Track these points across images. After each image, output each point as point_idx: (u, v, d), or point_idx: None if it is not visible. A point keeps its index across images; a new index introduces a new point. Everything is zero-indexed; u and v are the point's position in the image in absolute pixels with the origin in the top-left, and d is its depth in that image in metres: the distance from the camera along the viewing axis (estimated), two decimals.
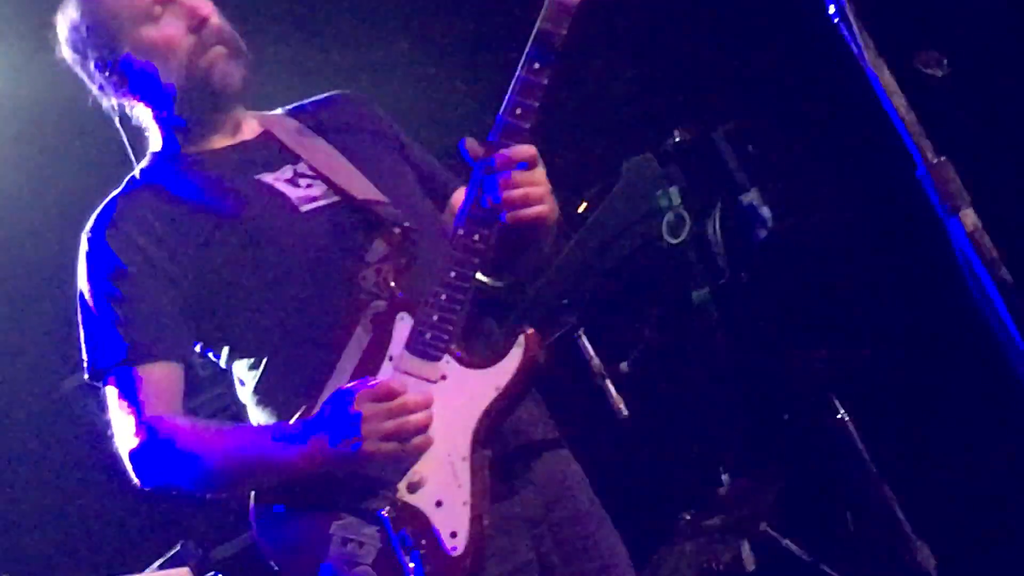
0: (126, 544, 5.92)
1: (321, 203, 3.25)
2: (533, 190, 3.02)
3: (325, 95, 3.57)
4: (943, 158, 2.54)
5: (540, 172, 3.05)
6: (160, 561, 4.91)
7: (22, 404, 6.67)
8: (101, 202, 3.35)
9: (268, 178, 3.28)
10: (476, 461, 3.05)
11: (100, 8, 3.34)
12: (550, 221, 3.10)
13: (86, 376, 3.29)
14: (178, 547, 4.89)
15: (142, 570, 4.78)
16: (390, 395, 2.96)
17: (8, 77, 5.75)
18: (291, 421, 3.11)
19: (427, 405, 2.98)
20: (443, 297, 3.04)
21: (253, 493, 3.15)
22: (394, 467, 3.03)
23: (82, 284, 3.30)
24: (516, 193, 3.00)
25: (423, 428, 2.97)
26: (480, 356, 3.12)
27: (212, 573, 4.16)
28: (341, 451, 2.95)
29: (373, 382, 3.00)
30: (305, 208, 3.24)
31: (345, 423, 2.93)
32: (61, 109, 3.58)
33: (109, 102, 3.43)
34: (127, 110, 3.43)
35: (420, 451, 2.99)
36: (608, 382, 5.04)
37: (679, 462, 7.10)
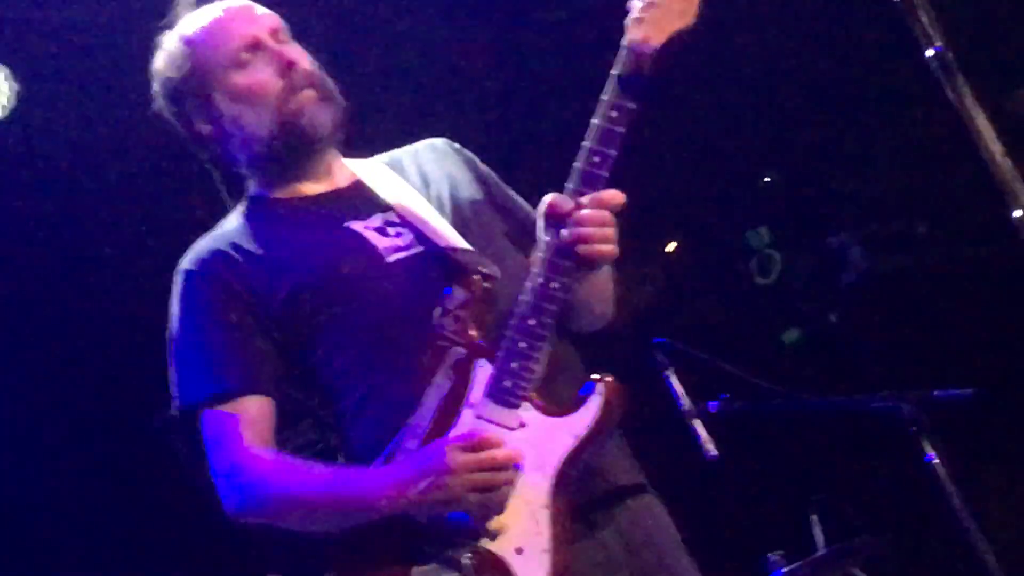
0: None
1: (406, 253, 3.26)
2: (603, 231, 3.03)
3: (418, 144, 3.55)
4: None
5: (612, 216, 3.05)
6: None
7: (111, 439, 6.74)
8: (195, 241, 3.39)
9: (358, 227, 3.29)
10: (557, 509, 3.01)
11: (191, 59, 3.36)
12: (608, 261, 3.10)
13: (175, 411, 3.31)
14: None
15: None
16: (481, 447, 2.97)
17: (111, 114, 5.82)
18: (370, 466, 3.12)
19: (516, 459, 3.01)
20: (523, 345, 3.03)
21: (335, 538, 3.17)
22: (476, 515, 3.00)
23: (174, 320, 3.31)
24: (590, 231, 3.01)
25: (509, 481, 3.00)
26: (559, 404, 3.09)
27: None
28: (427, 500, 2.97)
29: (464, 433, 3.00)
30: (391, 259, 3.24)
31: (433, 473, 2.95)
32: (159, 143, 3.61)
33: (205, 151, 3.46)
34: (222, 159, 3.43)
35: (502, 503, 3.01)
36: (698, 422, 5.01)
37: (768, 504, 7.07)
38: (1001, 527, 5.12)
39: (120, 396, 6.69)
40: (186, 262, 3.31)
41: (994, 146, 2.50)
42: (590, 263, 3.07)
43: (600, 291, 3.29)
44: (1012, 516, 6.55)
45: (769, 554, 5.21)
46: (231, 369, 3.21)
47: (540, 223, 3.08)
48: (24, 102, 5.81)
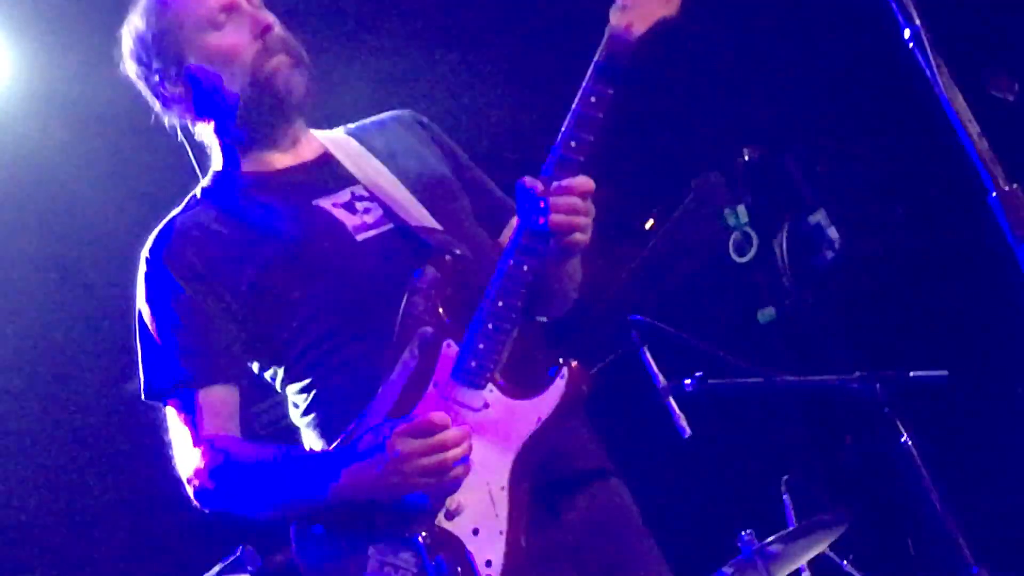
0: (185, 548, 5.95)
1: (376, 231, 3.25)
2: (579, 219, 3.02)
3: (385, 115, 3.55)
4: (1015, 185, 2.53)
5: (588, 202, 3.04)
6: (219, 567, 4.93)
7: (85, 406, 6.74)
8: (162, 220, 3.37)
9: (326, 203, 3.28)
10: (515, 491, 3.02)
11: (164, 18, 3.34)
12: (581, 248, 3.09)
13: (143, 396, 3.32)
14: (237, 552, 4.91)
15: (201, 575, 4.81)
16: (429, 430, 2.96)
17: (78, 85, 5.80)
18: (332, 446, 3.13)
19: (466, 438, 2.99)
20: (490, 326, 3.03)
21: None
22: (433, 494, 3.02)
23: (140, 305, 3.32)
24: (562, 219, 3.00)
25: (461, 462, 2.99)
26: (524, 386, 3.09)
27: None
28: (379, 486, 2.98)
29: (411, 417, 3.00)
30: (360, 237, 3.23)
31: (382, 460, 2.95)
32: (131, 117, 3.58)
33: (172, 116, 3.44)
34: (190, 125, 3.44)
35: (457, 483, 3.01)
36: (672, 400, 5.03)
37: (741, 482, 7.09)
38: (972, 508, 5.13)
39: (93, 365, 6.70)
40: (149, 246, 3.31)
41: (971, 126, 2.51)
42: (563, 250, 3.07)
43: (568, 276, 3.29)
44: (984, 498, 6.57)
45: (741, 532, 5.23)
46: (193, 358, 3.22)
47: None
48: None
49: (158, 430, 3.30)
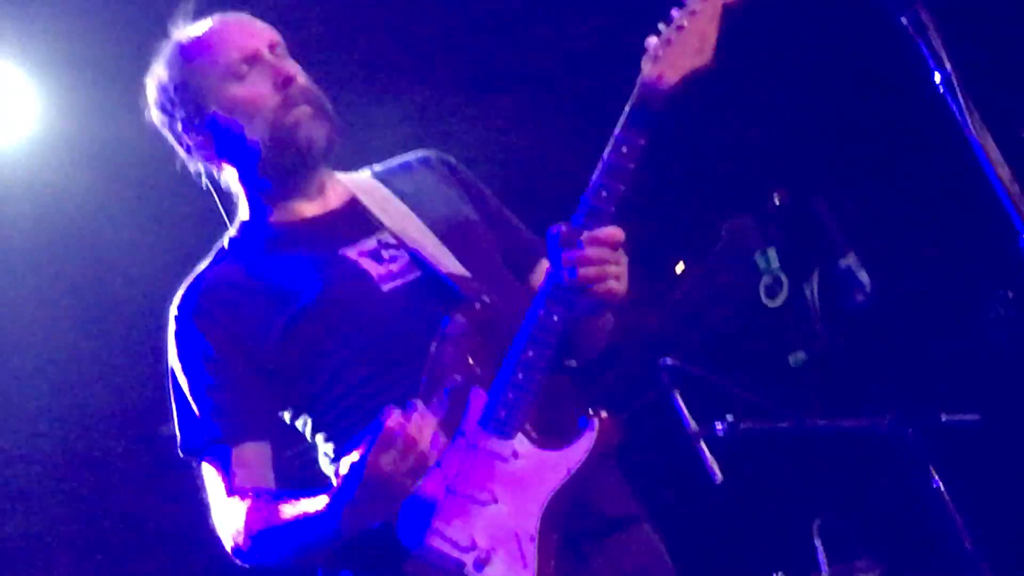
0: None
1: (402, 281, 3.24)
2: (611, 268, 3.01)
3: (411, 156, 3.56)
4: None
5: (619, 252, 3.03)
6: None
7: (122, 448, 6.75)
8: (189, 269, 3.39)
9: (352, 253, 3.28)
10: (544, 542, 3.01)
11: (187, 68, 3.36)
12: (618, 299, 3.08)
13: (180, 453, 3.35)
14: None
15: None
16: (393, 440, 2.90)
17: (105, 131, 5.82)
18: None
19: (426, 426, 2.93)
20: (520, 376, 3.03)
21: (321, 562, 3.18)
22: (462, 544, 3.01)
23: (172, 362, 3.34)
24: (592, 271, 2.99)
25: (429, 444, 2.93)
26: (553, 435, 3.09)
27: None
28: (377, 511, 2.98)
29: (371, 438, 2.93)
30: (387, 287, 3.23)
31: (361, 479, 2.93)
32: (159, 164, 3.60)
33: (196, 164, 3.46)
34: (215, 173, 3.46)
35: (426, 464, 2.96)
36: (703, 445, 5.01)
37: (772, 525, 7.06)
38: (1005, 554, 5.10)
39: (133, 405, 6.71)
40: (176, 303, 3.32)
41: (1002, 170, 2.51)
42: (597, 302, 3.06)
43: (599, 326, 3.29)
44: (1017, 543, 6.52)
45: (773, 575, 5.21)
46: (224, 417, 3.25)
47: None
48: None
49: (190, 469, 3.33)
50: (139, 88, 3.46)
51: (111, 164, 6.04)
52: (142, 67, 3.45)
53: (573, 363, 3.30)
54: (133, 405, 6.57)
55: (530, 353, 3.02)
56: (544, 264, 3.19)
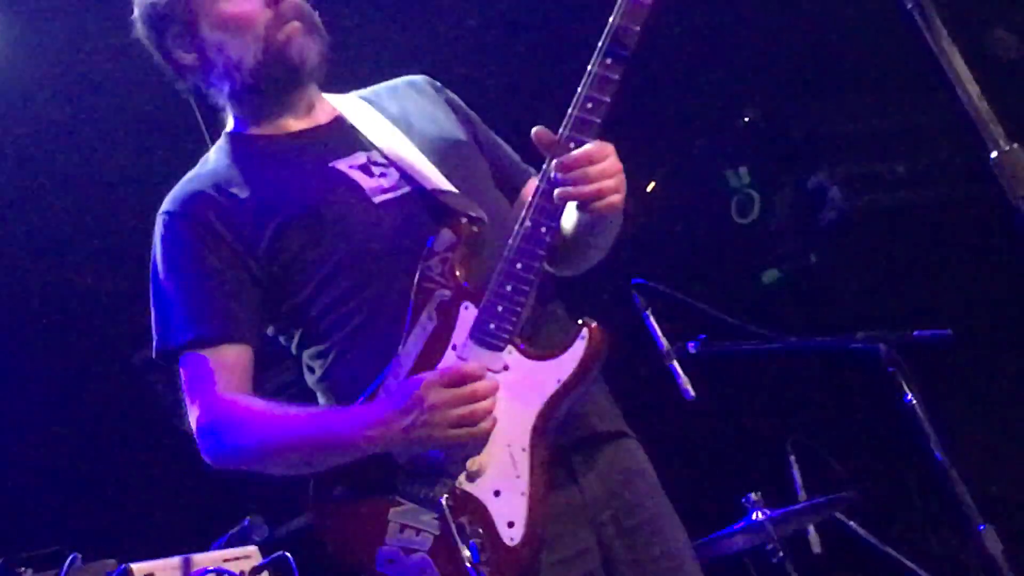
0: (191, 520, 5.96)
1: (392, 194, 3.24)
2: (607, 183, 3.01)
3: (398, 80, 3.54)
4: (1015, 145, 2.51)
5: (612, 162, 3.03)
6: (225, 538, 4.91)
7: (92, 376, 6.75)
8: (176, 182, 3.37)
9: (342, 165, 3.28)
10: (536, 452, 3.02)
11: None
12: (619, 208, 3.08)
13: (154, 354, 3.31)
14: (244, 523, 4.89)
15: (207, 546, 4.80)
16: (462, 381, 2.97)
17: (88, 50, 5.78)
18: (352, 405, 3.12)
19: (495, 391, 3.00)
20: (508, 288, 3.03)
21: (313, 478, 3.17)
22: (454, 456, 3.03)
23: (156, 264, 3.30)
24: (589, 188, 2.98)
25: (490, 411, 2.99)
26: (543, 348, 3.08)
27: (280, 552, 4.14)
28: (409, 437, 2.99)
29: (443, 368, 3.00)
30: (378, 199, 3.22)
31: (414, 409, 2.95)
32: (140, 82, 3.58)
33: (185, 81, 3.44)
34: (202, 89, 3.42)
35: (485, 437, 3.03)
36: (676, 363, 5.02)
37: (747, 444, 7.11)
38: (977, 467, 5.14)
39: (101, 334, 6.70)
40: (167, 204, 3.29)
41: (971, 87, 2.50)
42: (599, 215, 3.06)
43: (605, 240, 3.29)
44: (988, 456, 6.58)
45: (748, 494, 5.24)
46: (211, 315, 3.20)
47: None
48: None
49: (165, 402, 3.31)
50: (103, 11, 3.41)
51: (78, 86, 6.00)
52: None
53: (551, 270, 3.29)
54: (113, 329, 6.55)
55: (518, 265, 3.02)
56: (532, 185, 3.18)
